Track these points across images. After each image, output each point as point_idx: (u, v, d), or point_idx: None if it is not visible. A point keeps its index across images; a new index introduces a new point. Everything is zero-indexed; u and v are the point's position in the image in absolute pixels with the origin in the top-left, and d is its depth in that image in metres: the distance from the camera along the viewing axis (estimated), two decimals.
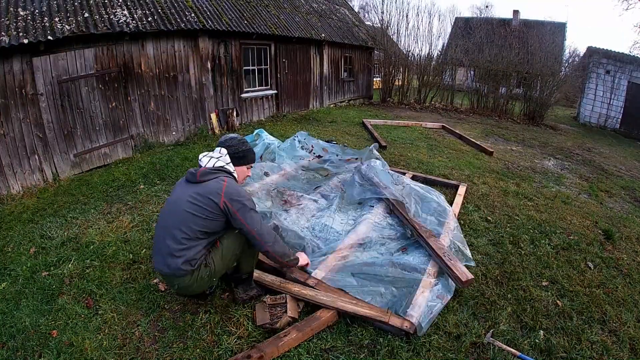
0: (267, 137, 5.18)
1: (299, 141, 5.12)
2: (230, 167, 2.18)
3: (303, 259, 2.43)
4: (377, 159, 4.34)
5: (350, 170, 4.22)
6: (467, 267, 2.64)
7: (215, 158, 2.14)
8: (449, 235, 3.00)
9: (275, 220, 2.97)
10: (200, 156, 2.18)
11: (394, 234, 3.06)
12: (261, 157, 4.68)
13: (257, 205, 2.49)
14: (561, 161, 7.07)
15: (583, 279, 2.87)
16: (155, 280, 2.55)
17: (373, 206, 3.40)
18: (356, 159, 4.73)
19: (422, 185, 3.90)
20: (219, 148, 2.23)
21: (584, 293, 2.69)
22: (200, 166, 2.13)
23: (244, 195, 2.08)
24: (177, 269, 1.93)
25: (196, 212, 1.95)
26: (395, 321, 2.10)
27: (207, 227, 1.99)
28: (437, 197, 3.61)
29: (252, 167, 2.40)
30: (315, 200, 3.50)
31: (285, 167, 4.27)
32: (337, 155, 4.90)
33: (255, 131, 5.52)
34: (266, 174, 4.05)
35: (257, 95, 8.33)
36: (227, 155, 2.19)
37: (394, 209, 3.31)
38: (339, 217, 3.23)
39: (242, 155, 2.25)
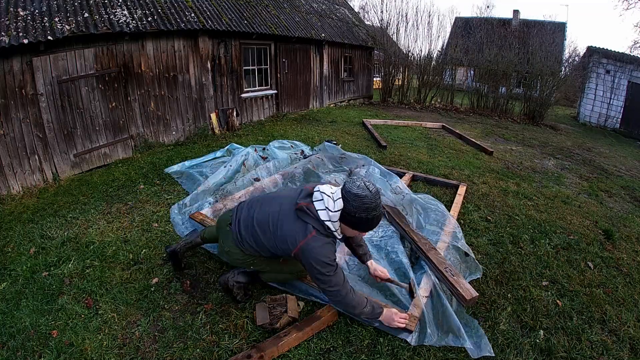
0: (240, 151, 4.88)
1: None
2: (331, 225, 1.85)
3: (389, 316, 2.02)
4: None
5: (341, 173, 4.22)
6: (471, 281, 2.61)
7: (324, 205, 1.83)
8: (458, 244, 2.92)
9: None
10: (321, 188, 1.89)
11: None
12: (244, 163, 4.53)
13: None
14: (561, 161, 7.07)
15: (583, 279, 2.87)
16: (155, 280, 2.55)
17: None
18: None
19: (421, 194, 3.82)
20: (340, 195, 1.84)
21: (584, 293, 2.69)
22: (312, 196, 1.89)
23: (319, 259, 1.81)
24: (236, 246, 2.11)
25: (270, 233, 1.94)
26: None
27: (272, 248, 1.99)
28: (437, 205, 3.55)
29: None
30: None
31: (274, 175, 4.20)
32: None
33: (227, 147, 5.40)
34: (256, 180, 4.02)
35: (257, 95, 8.33)
36: (339, 212, 1.82)
37: (391, 219, 3.21)
38: None
39: (354, 222, 1.82)
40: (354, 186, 1.80)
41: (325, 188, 1.89)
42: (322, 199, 1.85)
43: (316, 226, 1.84)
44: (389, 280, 2.31)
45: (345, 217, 1.82)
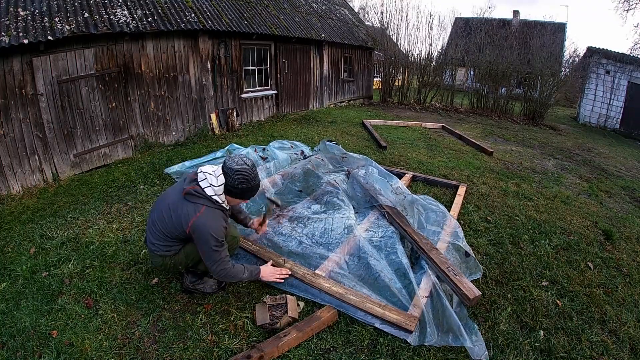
0: (240, 151, 4.93)
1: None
2: (218, 198, 2.09)
3: (267, 273, 2.36)
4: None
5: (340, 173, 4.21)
6: (471, 281, 2.61)
7: (209, 183, 2.07)
8: (460, 243, 2.92)
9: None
10: (203, 169, 2.12)
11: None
12: None
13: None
14: (561, 161, 7.07)
15: (583, 279, 2.87)
16: (155, 280, 2.55)
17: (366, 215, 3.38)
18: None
19: (422, 195, 3.83)
20: (221, 171, 2.10)
21: (584, 293, 2.69)
22: (196, 180, 2.09)
23: (209, 232, 2.01)
24: (153, 253, 2.25)
25: (166, 222, 2.13)
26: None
27: (173, 234, 2.16)
28: (437, 205, 3.55)
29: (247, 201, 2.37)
30: (309, 207, 3.50)
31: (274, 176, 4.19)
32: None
33: (227, 147, 5.44)
34: None
35: (257, 96, 8.33)
36: (223, 186, 2.09)
37: (392, 220, 3.19)
38: (338, 217, 3.21)
39: (237, 192, 2.11)
40: (233, 163, 2.08)
41: (207, 168, 2.14)
42: (206, 178, 2.09)
43: (206, 203, 2.07)
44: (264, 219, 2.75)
45: (230, 190, 2.10)
